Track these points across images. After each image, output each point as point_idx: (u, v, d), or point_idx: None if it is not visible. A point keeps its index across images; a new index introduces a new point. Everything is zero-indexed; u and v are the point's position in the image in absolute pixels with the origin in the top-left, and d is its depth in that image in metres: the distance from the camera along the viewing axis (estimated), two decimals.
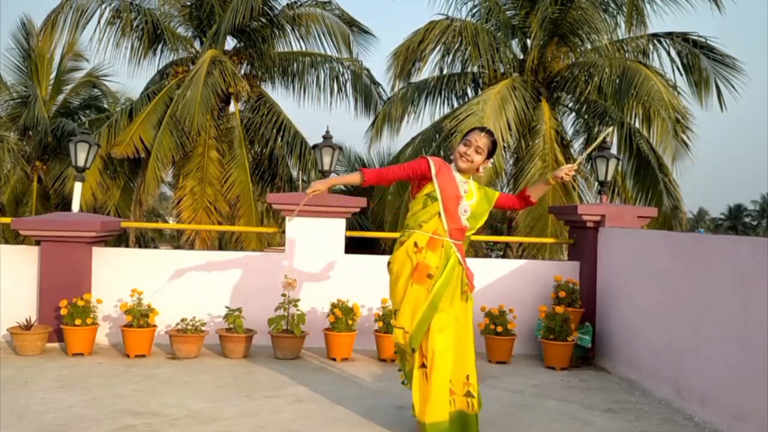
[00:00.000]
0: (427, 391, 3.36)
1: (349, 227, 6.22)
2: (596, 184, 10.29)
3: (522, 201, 3.78)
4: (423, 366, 3.41)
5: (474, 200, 3.56)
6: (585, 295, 5.93)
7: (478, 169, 3.58)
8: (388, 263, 3.61)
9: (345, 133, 36.38)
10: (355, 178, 3.55)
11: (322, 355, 5.56)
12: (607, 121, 11.89)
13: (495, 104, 10.66)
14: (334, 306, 5.53)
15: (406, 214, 3.63)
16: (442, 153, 12.15)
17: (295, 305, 5.47)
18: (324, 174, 7.49)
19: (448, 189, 3.47)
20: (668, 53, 11.96)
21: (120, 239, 14.06)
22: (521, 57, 12.39)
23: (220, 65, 11.79)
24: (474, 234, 3.75)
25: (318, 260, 6.01)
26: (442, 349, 3.38)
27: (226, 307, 5.56)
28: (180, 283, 5.87)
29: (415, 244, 3.44)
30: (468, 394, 3.45)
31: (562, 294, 5.80)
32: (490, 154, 3.56)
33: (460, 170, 3.56)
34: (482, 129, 3.58)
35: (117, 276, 5.82)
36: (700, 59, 11.53)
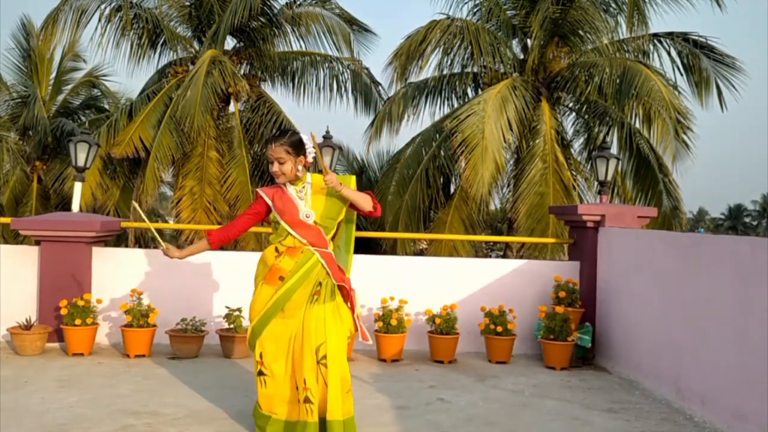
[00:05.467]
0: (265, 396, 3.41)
1: None
2: (596, 184, 10.31)
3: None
4: (260, 373, 3.40)
5: (311, 201, 3.48)
6: (585, 295, 5.93)
7: (300, 169, 3.49)
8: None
9: (345, 133, 36.33)
10: (202, 244, 3.61)
11: None
12: (607, 121, 11.90)
13: (495, 104, 10.67)
14: None
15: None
16: (442, 153, 12.17)
17: None
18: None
19: (286, 207, 3.47)
20: (668, 53, 11.99)
21: (120, 239, 14.05)
22: (522, 57, 12.40)
23: (219, 65, 11.78)
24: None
25: None
26: (272, 357, 3.38)
27: (226, 307, 5.56)
28: (180, 283, 5.87)
29: (276, 249, 3.50)
30: (306, 400, 3.27)
31: (562, 294, 5.80)
32: (298, 149, 3.44)
33: (289, 182, 3.52)
34: (270, 140, 3.49)
35: (117, 276, 5.81)
36: (700, 59, 11.54)
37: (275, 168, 3.46)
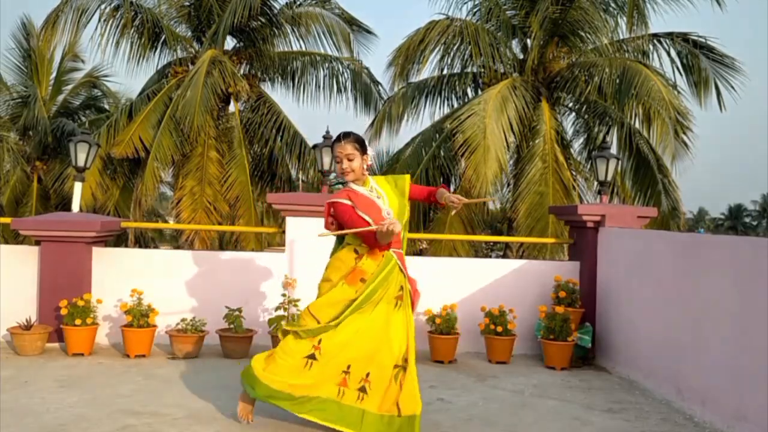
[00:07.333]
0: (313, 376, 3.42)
1: None
2: (596, 184, 10.29)
3: (428, 197, 3.73)
4: (311, 357, 3.41)
5: (387, 199, 3.58)
6: (585, 295, 5.93)
7: (365, 168, 3.60)
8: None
9: None
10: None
11: None
12: (607, 121, 11.89)
13: (496, 104, 10.67)
14: None
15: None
16: (442, 153, 12.17)
17: (295, 305, 5.47)
18: (323, 174, 7.51)
19: (367, 208, 3.48)
20: (668, 53, 11.98)
21: (120, 239, 14.06)
22: (521, 57, 12.39)
23: (219, 65, 11.78)
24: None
25: (318, 260, 5.99)
26: (341, 343, 3.42)
27: (226, 307, 5.56)
28: (180, 283, 5.87)
29: (355, 251, 3.52)
30: (362, 389, 3.39)
31: (562, 294, 5.80)
32: (363, 147, 3.59)
33: (355, 182, 3.59)
34: (339, 138, 3.56)
35: (117, 276, 5.81)
36: (699, 59, 11.54)
37: (345, 165, 3.52)
